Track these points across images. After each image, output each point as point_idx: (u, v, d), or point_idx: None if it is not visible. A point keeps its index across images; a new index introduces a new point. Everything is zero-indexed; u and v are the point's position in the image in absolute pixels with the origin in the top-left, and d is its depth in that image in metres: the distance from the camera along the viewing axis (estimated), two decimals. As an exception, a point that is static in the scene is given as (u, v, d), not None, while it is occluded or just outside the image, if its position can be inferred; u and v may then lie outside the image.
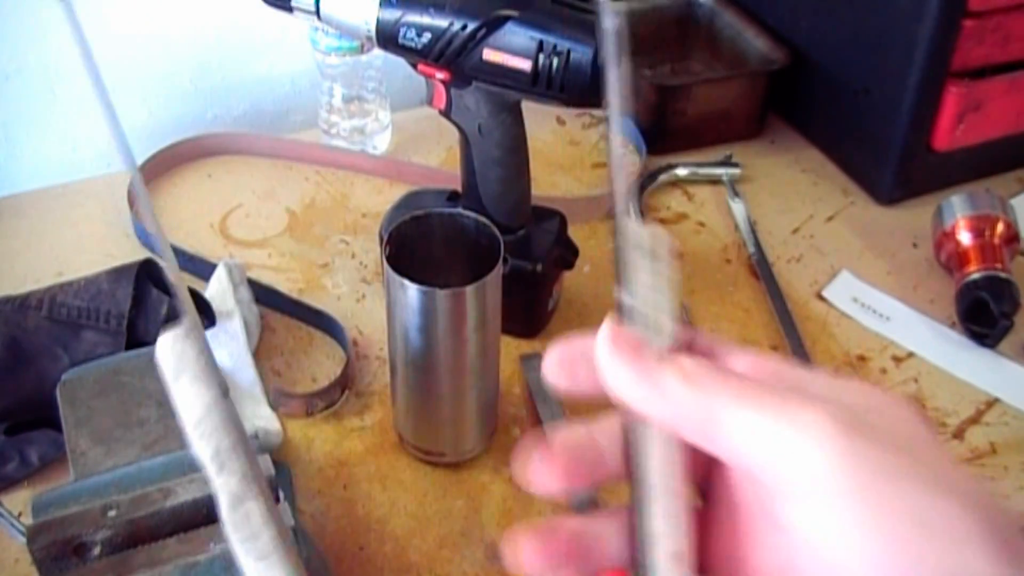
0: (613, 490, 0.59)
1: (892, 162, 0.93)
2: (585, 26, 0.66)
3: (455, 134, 0.73)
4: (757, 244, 0.88)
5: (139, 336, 0.70)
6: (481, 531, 0.65)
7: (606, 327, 0.28)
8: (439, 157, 0.99)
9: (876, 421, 0.26)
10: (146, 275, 0.72)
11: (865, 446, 0.25)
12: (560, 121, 1.05)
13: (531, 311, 0.77)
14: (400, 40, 0.68)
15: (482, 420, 0.69)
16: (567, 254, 0.78)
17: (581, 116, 1.05)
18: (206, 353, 0.31)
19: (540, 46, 0.65)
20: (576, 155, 1.01)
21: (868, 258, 0.89)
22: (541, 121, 1.03)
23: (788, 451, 0.25)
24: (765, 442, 0.25)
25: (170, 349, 0.31)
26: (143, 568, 0.44)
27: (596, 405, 0.30)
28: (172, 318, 0.71)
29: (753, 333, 0.81)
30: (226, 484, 0.31)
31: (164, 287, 0.74)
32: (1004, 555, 0.24)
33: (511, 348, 0.77)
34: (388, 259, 0.61)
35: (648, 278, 0.28)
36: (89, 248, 0.86)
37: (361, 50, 0.92)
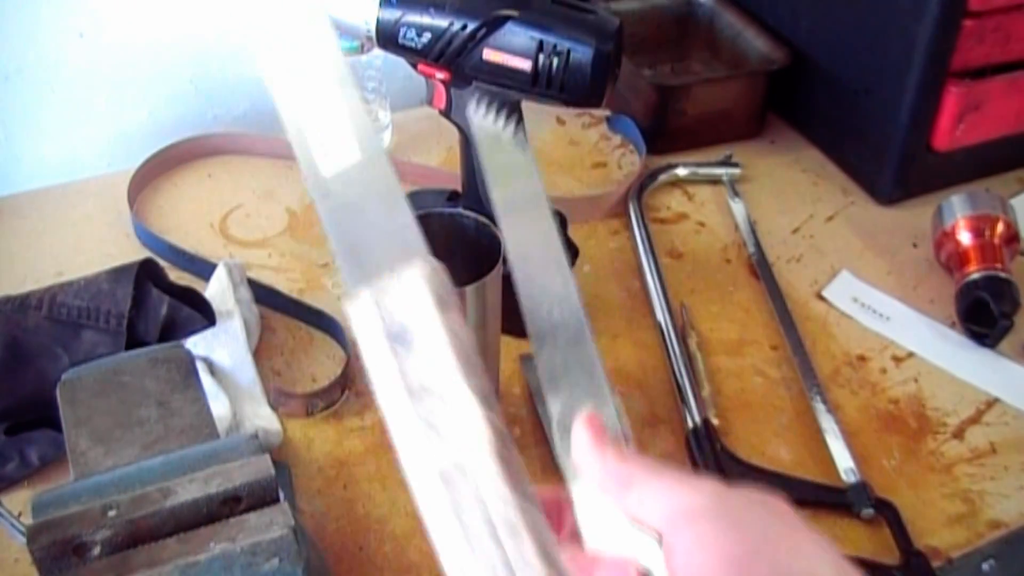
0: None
1: (892, 162, 0.93)
2: (585, 26, 0.66)
3: (455, 134, 0.73)
4: (757, 244, 0.88)
5: (139, 336, 0.70)
6: (481, 531, 0.65)
7: (586, 413, 0.38)
8: (439, 157, 0.99)
9: (745, 494, 0.36)
10: (146, 275, 0.72)
11: (731, 495, 0.35)
12: (560, 121, 1.05)
13: (531, 311, 0.77)
14: (400, 40, 0.68)
15: (482, 420, 0.69)
16: (567, 254, 0.78)
17: (581, 116, 1.05)
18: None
19: (540, 46, 0.65)
20: (576, 155, 1.00)
21: (868, 258, 0.89)
22: (541, 121, 1.04)
23: (678, 503, 0.35)
24: (662, 499, 0.35)
25: (439, 281, 0.33)
26: (143, 568, 0.44)
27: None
28: (172, 318, 0.71)
29: (753, 333, 0.80)
30: (494, 421, 0.32)
31: (164, 287, 0.74)
32: (832, 559, 0.33)
33: (511, 348, 0.76)
34: (388, 259, 0.61)
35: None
36: (89, 248, 0.86)
37: (361, 50, 0.92)
